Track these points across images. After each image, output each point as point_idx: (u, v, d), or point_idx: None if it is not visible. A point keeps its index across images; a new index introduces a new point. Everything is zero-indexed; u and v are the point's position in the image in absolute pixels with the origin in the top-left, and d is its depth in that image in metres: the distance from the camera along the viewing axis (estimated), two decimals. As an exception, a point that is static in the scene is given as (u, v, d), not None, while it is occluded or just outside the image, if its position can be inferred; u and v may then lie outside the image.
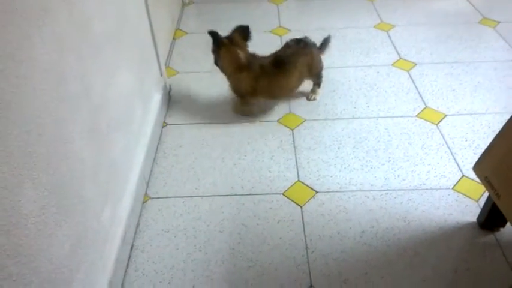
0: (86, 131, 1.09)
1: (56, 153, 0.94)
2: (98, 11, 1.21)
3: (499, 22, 2.50)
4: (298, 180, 1.61)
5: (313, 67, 1.91)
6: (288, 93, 1.94)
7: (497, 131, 1.18)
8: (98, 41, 1.21)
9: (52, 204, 0.92)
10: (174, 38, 2.47)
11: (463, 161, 1.65)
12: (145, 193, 1.57)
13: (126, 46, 1.48)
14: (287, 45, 1.88)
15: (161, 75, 1.92)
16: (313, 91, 1.99)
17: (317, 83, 1.99)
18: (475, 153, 1.67)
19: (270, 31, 2.51)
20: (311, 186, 1.58)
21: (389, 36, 2.41)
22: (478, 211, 1.43)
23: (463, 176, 1.59)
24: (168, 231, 1.44)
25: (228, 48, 1.79)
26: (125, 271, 1.33)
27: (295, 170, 1.65)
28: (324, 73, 2.15)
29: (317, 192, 1.56)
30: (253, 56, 1.83)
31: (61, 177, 0.96)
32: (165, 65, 2.15)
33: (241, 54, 1.78)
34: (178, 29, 2.57)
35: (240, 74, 1.80)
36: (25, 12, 0.83)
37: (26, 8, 0.84)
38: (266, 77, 1.79)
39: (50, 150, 0.91)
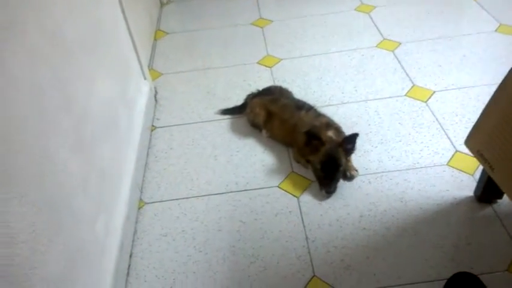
0: (70, 143, 1.07)
1: (40, 168, 0.92)
2: (68, 17, 1.18)
3: (479, -7, 2.48)
4: (293, 171, 1.60)
5: None
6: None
7: (486, 103, 1.17)
8: (72, 48, 1.18)
9: (42, 221, 0.90)
10: (155, 39, 2.44)
11: (455, 136, 1.64)
12: (140, 199, 1.56)
13: (104, 52, 1.45)
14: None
15: (144, 78, 1.90)
16: None
17: None
18: (466, 128, 1.66)
19: (251, 23, 2.48)
20: (306, 176, 1.57)
21: (371, 18, 2.40)
22: (474, 185, 1.43)
23: (457, 151, 1.59)
24: (166, 235, 1.43)
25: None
26: (126, 280, 1.31)
27: (289, 161, 1.64)
28: (309, 60, 2.15)
29: (312, 181, 1.55)
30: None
31: (49, 192, 0.94)
32: (148, 67, 2.12)
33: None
34: (159, 29, 2.54)
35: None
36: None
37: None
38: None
39: (34, 166, 0.89)
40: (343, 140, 1.51)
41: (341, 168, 1.49)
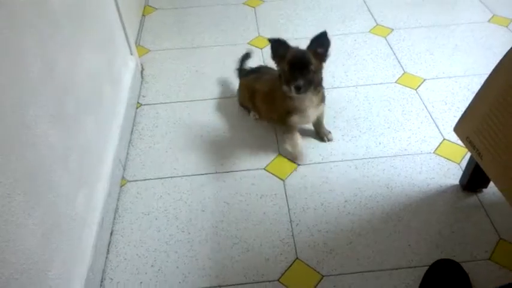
0: (50, 114, 1.03)
1: (18, 138, 0.88)
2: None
3: (474, -17, 2.46)
4: (279, 154, 1.58)
5: None
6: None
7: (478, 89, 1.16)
8: (57, 18, 1.13)
9: (18, 193, 0.86)
10: (143, 15, 2.37)
11: (443, 125, 1.64)
12: (122, 177, 1.52)
13: (90, 24, 1.40)
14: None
15: (131, 53, 1.84)
16: None
17: None
18: (455, 116, 1.65)
19: (243, 3, 2.43)
20: (292, 159, 1.55)
21: (365, 2, 2.36)
22: (460, 173, 1.43)
23: (444, 139, 1.58)
24: (148, 214, 1.40)
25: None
26: (106, 257, 1.29)
27: (276, 144, 1.62)
28: (301, 43, 2.11)
29: (299, 164, 1.53)
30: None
31: (26, 164, 0.90)
32: (136, 43, 2.06)
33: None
34: (147, 5, 2.46)
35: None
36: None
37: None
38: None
39: (11, 136, 0.85)
40: (310, 42, 1.34)
41: (311, 68, 1.32)
